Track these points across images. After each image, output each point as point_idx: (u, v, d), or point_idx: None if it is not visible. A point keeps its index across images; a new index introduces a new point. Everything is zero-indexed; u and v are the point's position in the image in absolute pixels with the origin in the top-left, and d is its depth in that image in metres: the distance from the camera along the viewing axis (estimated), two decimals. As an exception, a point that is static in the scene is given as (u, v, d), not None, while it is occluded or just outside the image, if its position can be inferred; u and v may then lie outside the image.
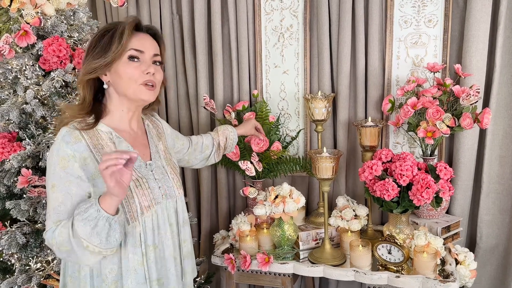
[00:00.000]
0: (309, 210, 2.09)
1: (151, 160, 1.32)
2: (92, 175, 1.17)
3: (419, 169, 1.64)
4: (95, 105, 1.26)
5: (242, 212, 1.95)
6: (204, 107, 1.82)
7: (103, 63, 1.19)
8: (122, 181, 1.05)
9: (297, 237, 1.79)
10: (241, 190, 1.73)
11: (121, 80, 1.21)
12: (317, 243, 1.82)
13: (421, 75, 1.87)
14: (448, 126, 1.65)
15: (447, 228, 1.76)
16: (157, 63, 1.27)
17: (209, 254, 2.17)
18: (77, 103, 1.32)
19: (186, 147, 1.60)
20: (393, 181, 1.58)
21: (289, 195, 1.70)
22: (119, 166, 1.03)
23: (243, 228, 1.82)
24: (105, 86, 1.24)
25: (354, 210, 1.80)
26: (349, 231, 1.77)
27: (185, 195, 2.29)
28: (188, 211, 2.28)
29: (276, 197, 1.68)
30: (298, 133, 2.06)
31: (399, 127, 1.78)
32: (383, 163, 1.68)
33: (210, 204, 2.24)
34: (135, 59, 1.21)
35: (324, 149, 1.67)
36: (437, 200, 1.59)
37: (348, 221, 1.78)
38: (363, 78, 1.94)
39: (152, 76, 1.24)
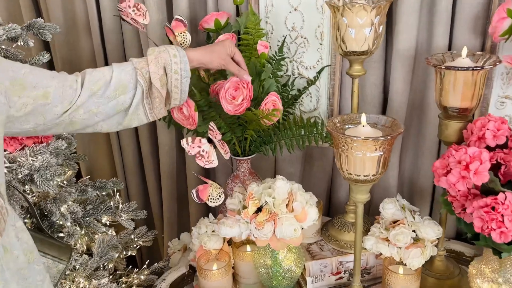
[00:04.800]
0: (330, 212, 1.29)
1: None
2: None
3: None
4: None
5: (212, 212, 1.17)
6: (120, 17, 0.95)
7: None
8: None
9: (304, 269, 1.03)
10: (193, 191, 0.94)
11: None
12: (340, 278, 1.05)
13: None
14: None
15: None
16: None
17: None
18: None
19: (55, 95, 0.76)
20: (515, 198, 0.73)
21: (287, 205, 0.89)
22: None
23: (209, 245, 1.06)
24: None
25: (415, 231, 0.98)
26: (402, 267, 0.98)
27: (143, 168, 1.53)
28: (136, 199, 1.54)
29: (260, 209, 0.88)
30: (319, 73, 1.20)
31: (528, 70, 0.88)
32: (488, 149, 0.82)
33: (177, 182, 1.48)
34: None
35: (363, 117, 0.83)
36: None
37: (401, 248, 0.98)
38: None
39: None
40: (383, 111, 1.20)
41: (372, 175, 0.81)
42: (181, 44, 0.99)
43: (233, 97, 0.96)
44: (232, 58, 0.95)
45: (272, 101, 1.01)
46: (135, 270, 1.46)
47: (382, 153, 0.79)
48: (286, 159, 1.32)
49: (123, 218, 1.27)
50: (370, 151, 0.78)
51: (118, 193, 1.30)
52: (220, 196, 0.94)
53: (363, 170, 0.81)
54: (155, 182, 1.51)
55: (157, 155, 1.45)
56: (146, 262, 1.47)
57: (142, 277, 1.44)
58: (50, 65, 1.55)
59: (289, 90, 1.18)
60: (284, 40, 1.18)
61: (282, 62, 1.16)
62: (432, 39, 1.08)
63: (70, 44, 1.46)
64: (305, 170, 1.35)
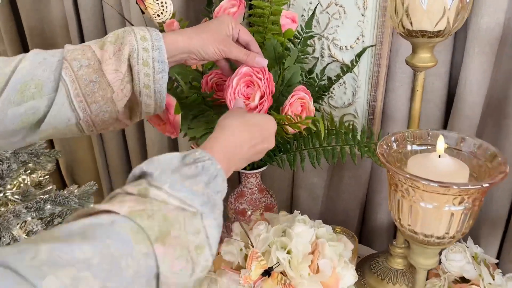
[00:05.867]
0: (363, 237, 1.00)
1: None
2: None
3: None
4: None
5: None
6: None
7: None
8: None
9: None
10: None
11: None
12: None
13: None
14: None
15: None
16: None
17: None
18: None
19: None
20: None
21: (309, 265, 0.60)
22: None
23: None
24: None
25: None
26: None
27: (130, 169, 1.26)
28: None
29: (268, 272, 0.59)
30: (358, 56, 0.88)
31: None
32: None
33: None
34: None
35: (440, 142, 0.52)
36: None
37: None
38: None
39: None
40: (447, 112, 0.88)
41: (450, 237, 0.51)
42: (158, 16, 0.68)
43: (247, 97, 0.66)
44: (239, 39, 0.65)
45: (300, 99, 0.70)
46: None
47: (469, 205, 0.48)
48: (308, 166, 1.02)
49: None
50: (452, 203, 0.48)
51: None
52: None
53: (436, 229, 0.50)
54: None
55: (147, 154, 1.17)
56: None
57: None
58: (22, 40, 1.26)
59: (317, 80, 0.87)
60: (314, 11, 0.85)
61: (307, 44, 0.84)
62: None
63: (38, 11, 1.16)
64: (333, 181, 1.05)
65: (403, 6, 0.59)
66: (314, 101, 0.89)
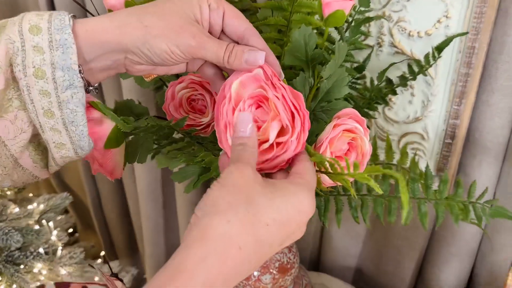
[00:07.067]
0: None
1: None
2: None
3: None
4: None
5: None
6: None
7: None
8: None
9: None
10: None
11: None
12: None
13: None
14: None
15: None
16: None
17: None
18: None
19: None
20: None
21: None
22: None
23: None
24: None
25: None
26: None
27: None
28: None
29: None
30: (439, 49, 0.56)
31: None
32: None
33: (163, 207, 0.94)
34: None
35: None
36: None
37: None
38: None
39: None
40: None
41: None
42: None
43: (257, 127, 0.37)
44: (223, 31, 0.36)
45: (348, 133, 0.41)
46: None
47: None
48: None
49: (65, 272, 0.78)
50: None
51: (54, 227, 0.79)
52: None
53: None
54: (134, 205, 0.98)
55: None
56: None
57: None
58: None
59: (372, 86, 0.57)
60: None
61: (360, 28, 0.53)
62: None
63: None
64: (371, 244, 0.77)
65: None
66: (363, 114, 0.59)
